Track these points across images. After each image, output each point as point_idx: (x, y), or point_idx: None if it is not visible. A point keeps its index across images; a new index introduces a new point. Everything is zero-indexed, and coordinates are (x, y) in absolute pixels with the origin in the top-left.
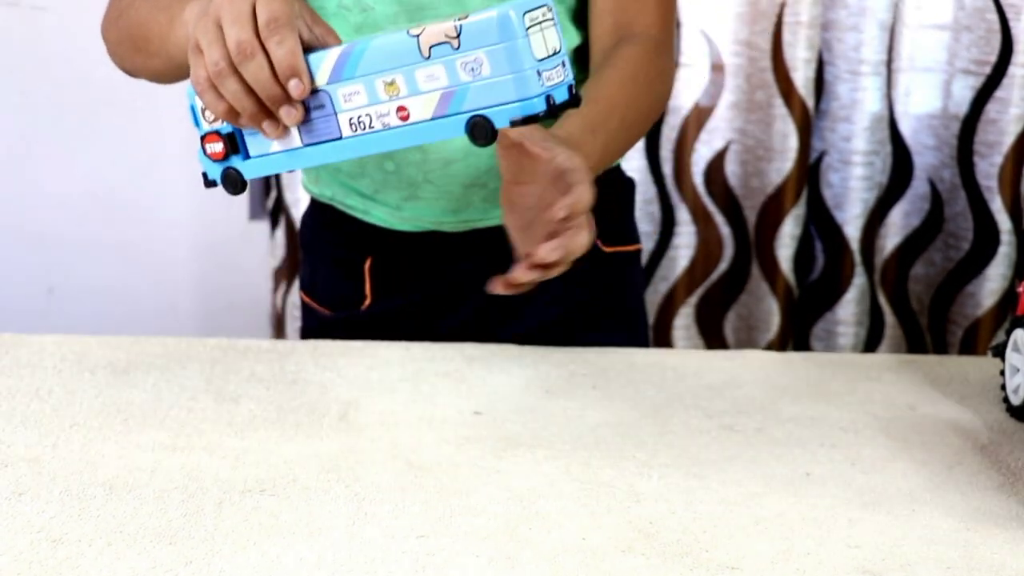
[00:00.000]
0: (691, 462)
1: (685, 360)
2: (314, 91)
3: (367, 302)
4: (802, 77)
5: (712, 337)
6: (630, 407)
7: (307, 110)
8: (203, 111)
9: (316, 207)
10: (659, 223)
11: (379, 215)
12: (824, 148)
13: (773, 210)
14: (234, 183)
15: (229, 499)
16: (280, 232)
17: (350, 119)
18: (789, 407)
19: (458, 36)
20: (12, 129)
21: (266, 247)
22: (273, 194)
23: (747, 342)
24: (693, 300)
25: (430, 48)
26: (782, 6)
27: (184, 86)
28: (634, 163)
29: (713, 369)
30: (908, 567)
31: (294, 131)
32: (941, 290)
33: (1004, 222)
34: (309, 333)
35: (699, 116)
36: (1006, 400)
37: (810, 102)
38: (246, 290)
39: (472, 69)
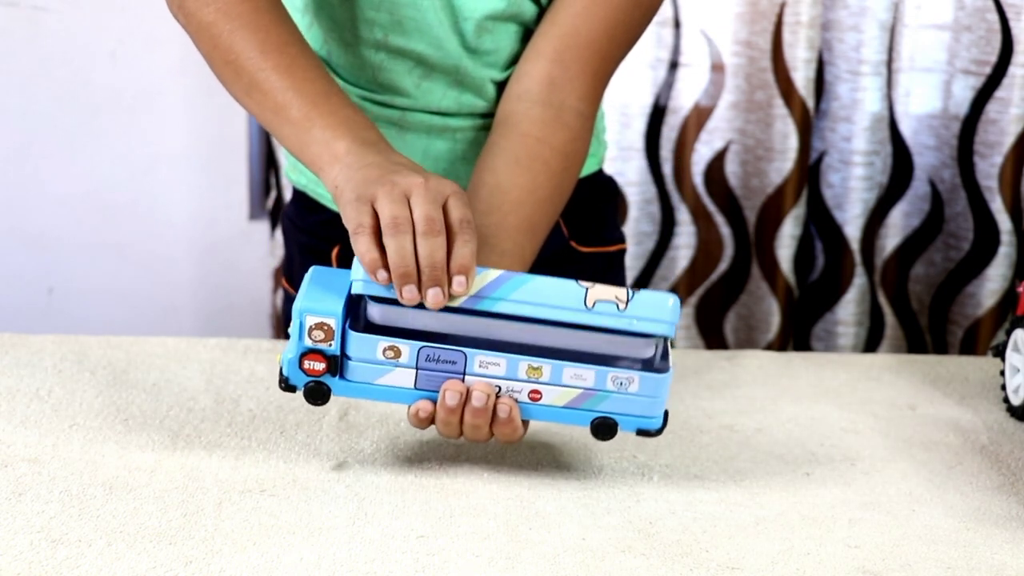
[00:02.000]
0: (691, 462)
1: (685, 360)
2: (452, 350)
3: None
4: (802, 77)
5: (712, 337)
6: None
7: (436, 361)
8: (310, 330)
9: (294, 195)
10: (659, 223)
11: None
12: (824, 148)
13: (773, 210)
14: (318, 396)
15: (229, 499)
16: (280, 232)
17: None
18: (789, 407)
19: (627, 301)
20: (12, 129)
21: (266, 247)
22: (273, 194)
23: (747, 342)
24: (693, 300)
25: (595, 302)
26: (782, 6)
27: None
28: (634, 163)
29: (713, 369)
30: (908, 567)
31: (408, 373)
32: (941, 290)
33: (1004, 222)
34: (288, 318)
35: (699, 116)
36: (1006, 400)
37: (810, 102)
38: (246, 290)
39: (621, 383)
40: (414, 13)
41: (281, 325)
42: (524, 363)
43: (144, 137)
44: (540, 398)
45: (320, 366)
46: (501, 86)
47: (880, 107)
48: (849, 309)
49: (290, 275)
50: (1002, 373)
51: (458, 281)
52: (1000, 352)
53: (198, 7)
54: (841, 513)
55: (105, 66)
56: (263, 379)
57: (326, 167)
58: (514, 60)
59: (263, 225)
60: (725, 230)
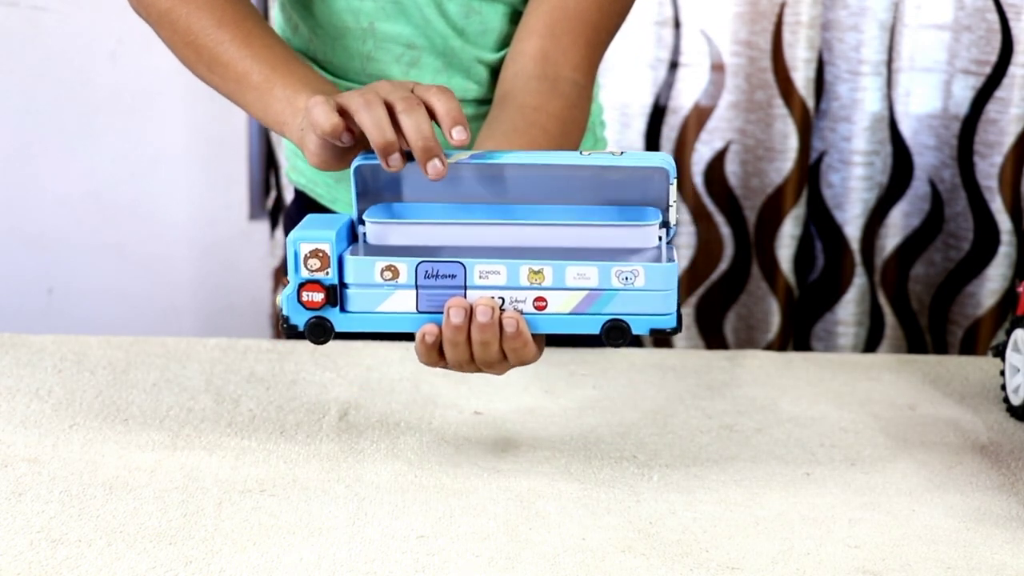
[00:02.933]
0: (691, 462)
1: (685, 360)
2: (450, 263)
3: None
4: (802, 77)
5: (712, 337)
6: (630, 407)
7: (436, 277)
8: (305, 260)
9: (296, 196)
10: None
11: (344, 203)
12: (824, 148)
13: (773, 210)
14: (320, 333)
15: (229, 499)
16: (280, 232)
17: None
18: (789, 407)
19: (622, 153)
20: (12, 129)
21: (266, 247)
22: (273, 194)
23: (747, 342)
24: (693, 300)
25: (590, 153)
26: (782, 6)
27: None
28: None
29: (713, 369)
30: (908, 567)
31: (409, 294)
32: (941, 290)
33: (1004, 222)
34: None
35: (699, 116)
36: (1006, 400)
37: (810, 102)
38: (246, 290)
39: (626, 278)
40: None
41: (281, 326)
42: (525, 267)
43: (144, 137)
44: (545, 306)
45: (319, 296)
46: (492, 69)
47: (880, 107)
48: (849, 309)
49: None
50: (1002, 373)
51: (457, 131)
52: (1000, 352)
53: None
54: (841, 513)
55: (105, 66)
56: (263, 379)
57: (289, 120)
58: (504, 41)
59: (263, 225)
60: (725, 230)
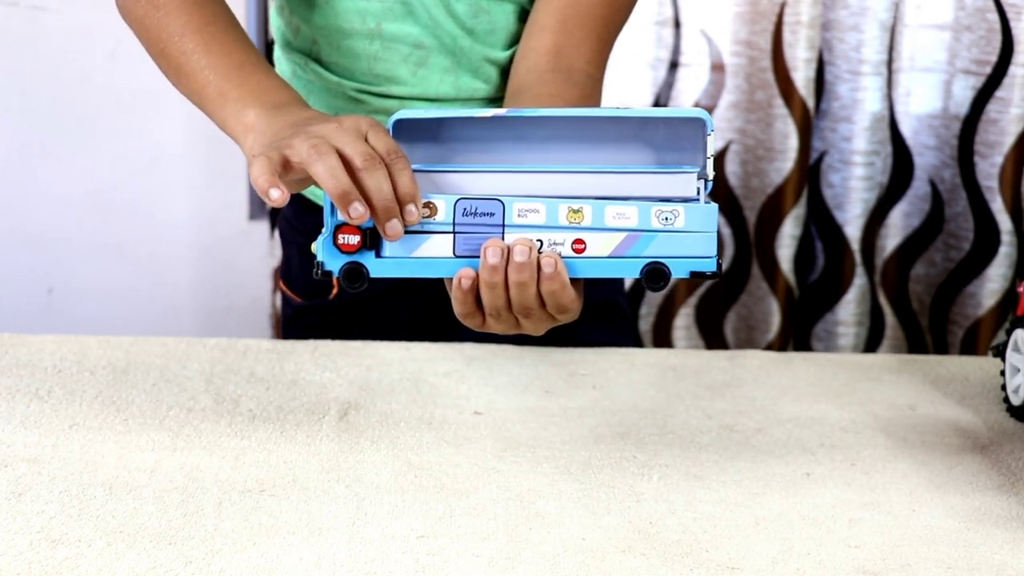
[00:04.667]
0: (691, 462)
1: (685, 360)
2: (489, 200)
3: (334, 291)
4: (802, 77)
5: (712, 337)
6: (630, 407)
7: (475, 215)
8: None
9: (293, 196)
10: None
11: None
12: (824, 148)
13: (773, 210)
14: (356, 278)
15: (229, 499)
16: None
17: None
18: (789, 407)
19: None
20: (12, 129)
21: (266, 247)
22: None
23: (747, 342)
24: (693, 300)
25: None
26: (782, 6)
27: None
28: None
29: (713, 369)
30: (908, 567)
31: (446, 239)
32: (941, 290)
33: (1004, 222)
34: (286, 320)
35: None
36: (1006, 400)
37: (810, 102)
38: (246, 290)
39: (666, 218)
40: None
41: (281, 326)
42: (564, 206)
43: (144, 137)
44: (584, 249)
45: (355, 239)
46: (500, 68)
47: (880, 107)
48: (849, 309)
49: (288, 278)
50: (1002, 373)
51: (409, 210)
52: (1000, 352)
53: (132, 5)
54: (841, 513)
55: (105, 66)
56: (263, 379)
57: (241, 139)
58: (512, 40)
59: (263, 225)
60: (725, 230)
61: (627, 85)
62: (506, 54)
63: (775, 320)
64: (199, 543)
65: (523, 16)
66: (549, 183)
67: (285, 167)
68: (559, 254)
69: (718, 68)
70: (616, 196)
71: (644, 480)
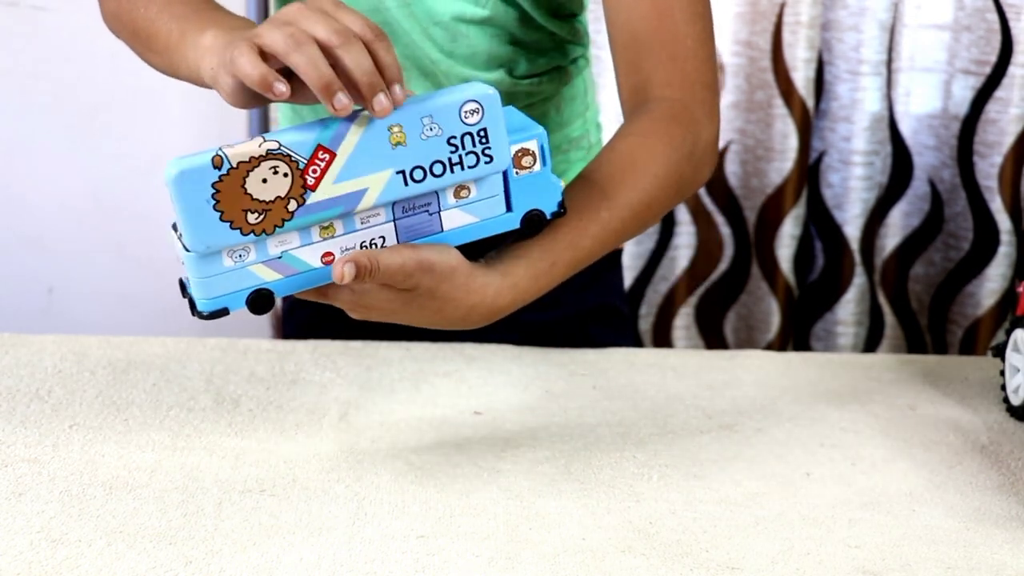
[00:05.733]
0: (691, 462)
1: (685, 360)
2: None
3: None
4: (802, 77)
5: (712, 337)
6: (630, 407)
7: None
8: None
9: None
10: (659, 223)
11: None
12: (824, 148)
13: (773, 210)
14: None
15: (229, 499)
16: None
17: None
18: (789, 407)
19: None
20: (12, 129)
21: None
22: None
23: (747, 342)
24: (693, 300)
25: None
26: (782, 6)
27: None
28: None
29: (713, 369)
30: (908, 567)
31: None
32: (941, 290)
33: (1004, 222)
34: (285, 314)
35: None
36: (1006, 400)
37: (810, 102)
38: None
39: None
40: (384, 18)
41: (281, 325)
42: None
43: (144, 137)
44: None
45: None
46: None
47: (880, 107)
48: (849, 309)
49: None
50: (1002, 373)
51: (396, 89)
52: (1000, 352)
53: (107, 4)
54: (841, 513)
55: (105, 66)
56: (263, 379)
57: (201, 63)
58: (495, 62)
59: None
60: (725, 230)
61: None
62: (489, 76)
63: (775, 320)
64: (199, 543)
65: (505, 38)
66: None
67: (264, 56)
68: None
69: (718, 68)
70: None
71: (644, 480)
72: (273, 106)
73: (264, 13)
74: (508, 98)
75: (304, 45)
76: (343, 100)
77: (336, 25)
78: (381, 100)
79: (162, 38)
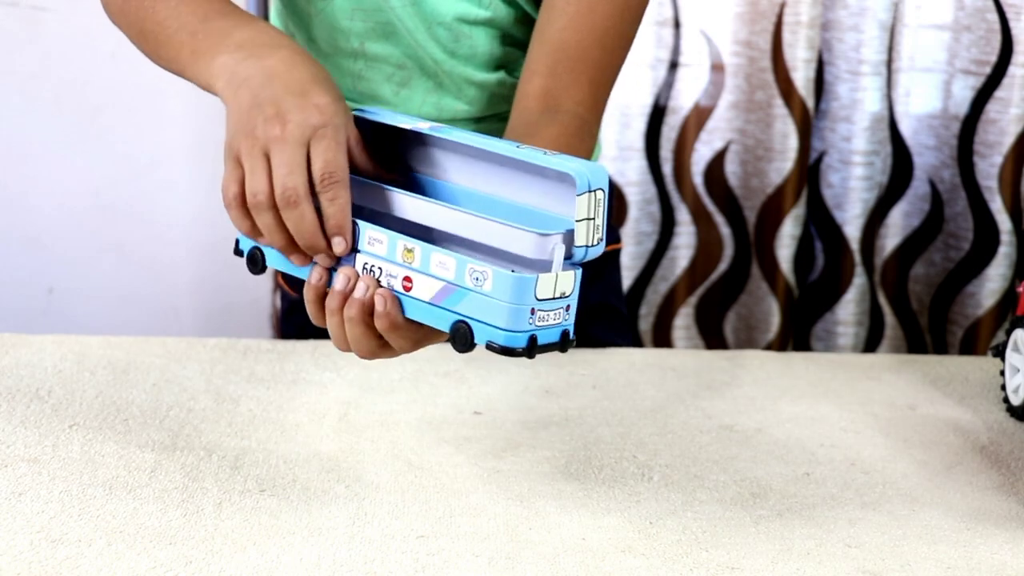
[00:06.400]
0: (691, 462)
1: (685, 360)
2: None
3: None
4: (802, 77)
5: (712, 337)
6: (630, 407)
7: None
8: None
9: None
10: (659, 223)
11: None
12: (824, 148)
13: (773, 210)
14: (255, 263)
15: (229, 499)
16: None
17: (364, 263)
18: (789, 407)
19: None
20: (12, 129)
21: None
22: None
23: (747, 342)
24: (693, 300)
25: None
26: (782, 6)
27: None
28: (634, 163)
29: (713, 369)
30: (908, 567)
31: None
32: (941, 290)
33: (1004, 222)
34: (283, 315)
35: (699, 116)
36: (1006, 400)
37: (810, 102)
38: (246, 290)
39: (477, 279)
40: (387, 18)
41: (281, 325)
42: (401, 243)
43: (144, 137)
44: (411, 288)
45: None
46: (482, 88)
47: (880, 107)
48: (849, 309)
49: (287, 275)
50: (1002, 373)
51: (336, 242)
52: (1000, 352)
53: (107, 1)
54: (841, 513)
55: (105, 66)
56: (263, 379)
57: (215, 88)
58: (496, 62)
59: None
60: (725, 230)
61: (627, 85)
62: (489, 76)
63: (775, 320)
64: (199, 543)
65: (506, 40)
66: (425, 211)
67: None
68: (391, 288)
69: (718, 68)
70: (477, 241)
71: (644, 480)
72: None
73: (263, 10)
74: (506, 99)
75: (262, 212)
76: (297, 262)
77: (290, 181)
78: (322, 260)
79: (173, 47)
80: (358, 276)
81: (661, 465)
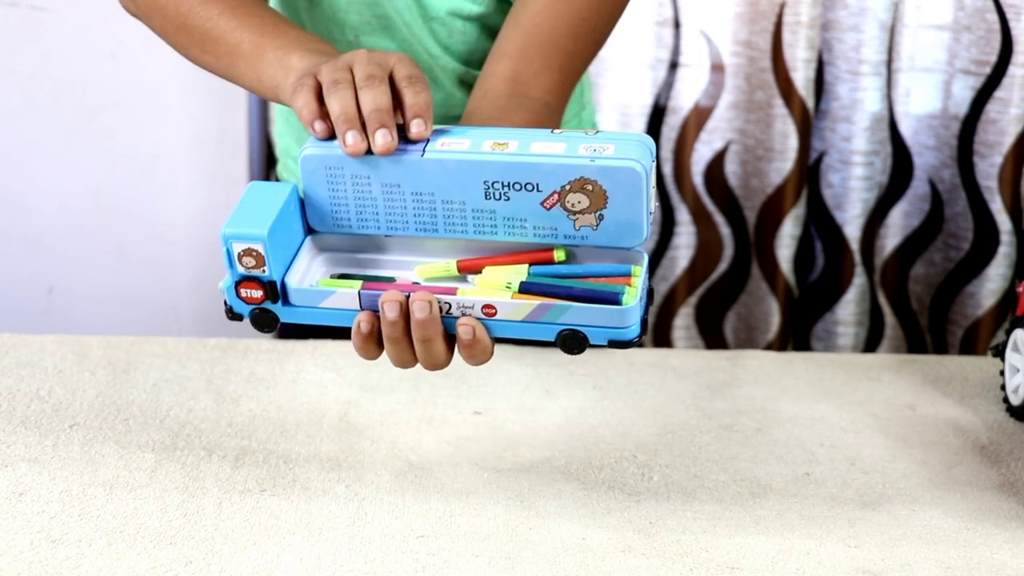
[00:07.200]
0: (691, 462)
1: (685, 360)
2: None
3: None
4: (802, 77)
5: (712, 337)
6: (630, 407)
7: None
8: (239, 257)
9: None
10: (659, 223)
11: None
12: (824, 148)
13: (773, 210)
14: (265, 323)
15: (229, 499)
16: None
17: (427, 299)
18: (789, 407)
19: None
20: (12, 129)
21: None
22: None
23: (747, 342)
24: (693, 300)
25: (562, 132)
26: (782, 6)
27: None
28: None
29: (713, 369)
30: (908, 567)
31: (351, 293)
32: (941, 290)
33: (1004, 222)
34: None
35: (699, 116)
36: (1006, 400)
37: (810, 102)
38: None
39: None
40: (384, 12)
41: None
42: (488, 140)
43: (144, 137)
44: (495, 313)
45: (257, 293)
46: (467, 85)
47: (880, 107)
48: (849, 309)
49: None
50: (1002, 373)
51: (416, 123)
52: (1000, 352)
53: None
54: (841, 513)
55: (105, 66)
56: (263, 379)
57: (281, 82)
58: (483, 59)
59: None
60: (725, 230)
61: (627, 85)
62: (474, 73)
63: (775, 320)
64: (199, 543)
65: (495, 37)
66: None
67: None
68: (475, 318)
69: (718, 68)
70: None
71: (644, 480)
72: (272, 106)
73: None
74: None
75: (340, 89)
76: (353, 139)
77: (369, 70)
78: (384, 135)
79: (228, 42)
80: (407, 300)
81: (661, 465)
